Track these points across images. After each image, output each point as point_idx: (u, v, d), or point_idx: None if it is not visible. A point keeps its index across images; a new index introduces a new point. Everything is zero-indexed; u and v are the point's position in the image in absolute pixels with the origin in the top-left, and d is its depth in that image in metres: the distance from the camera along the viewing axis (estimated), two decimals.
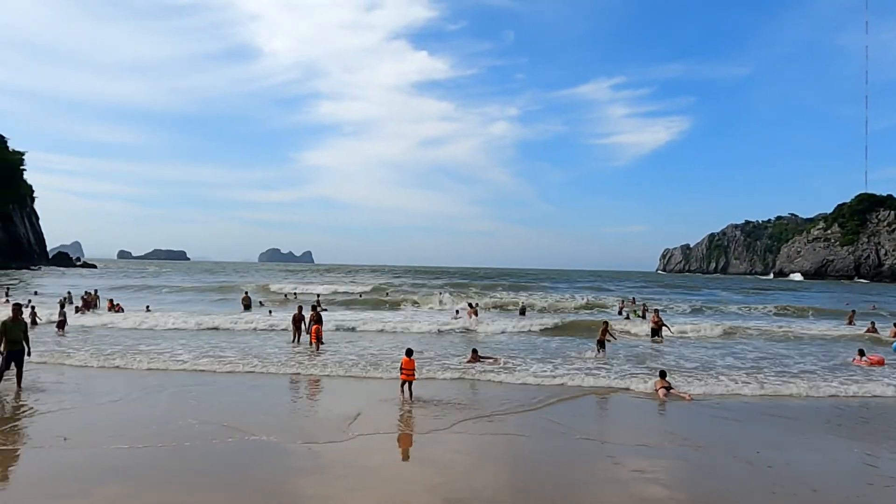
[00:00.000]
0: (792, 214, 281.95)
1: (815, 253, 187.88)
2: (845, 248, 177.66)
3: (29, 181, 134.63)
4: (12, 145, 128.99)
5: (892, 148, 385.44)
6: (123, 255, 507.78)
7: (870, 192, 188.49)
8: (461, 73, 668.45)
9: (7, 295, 38.36)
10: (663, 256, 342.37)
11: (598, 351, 20.40)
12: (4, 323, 13.42)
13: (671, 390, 14.31)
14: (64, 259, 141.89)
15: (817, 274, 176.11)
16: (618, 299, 46.32)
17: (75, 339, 22.47)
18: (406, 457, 9.53)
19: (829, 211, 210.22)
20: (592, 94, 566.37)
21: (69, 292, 37.86)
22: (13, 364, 13.28)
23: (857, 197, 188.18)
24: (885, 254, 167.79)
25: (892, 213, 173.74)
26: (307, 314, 23.60)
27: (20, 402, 12.15)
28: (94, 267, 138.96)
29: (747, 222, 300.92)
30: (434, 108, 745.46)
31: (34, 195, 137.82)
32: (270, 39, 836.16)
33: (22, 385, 13.25)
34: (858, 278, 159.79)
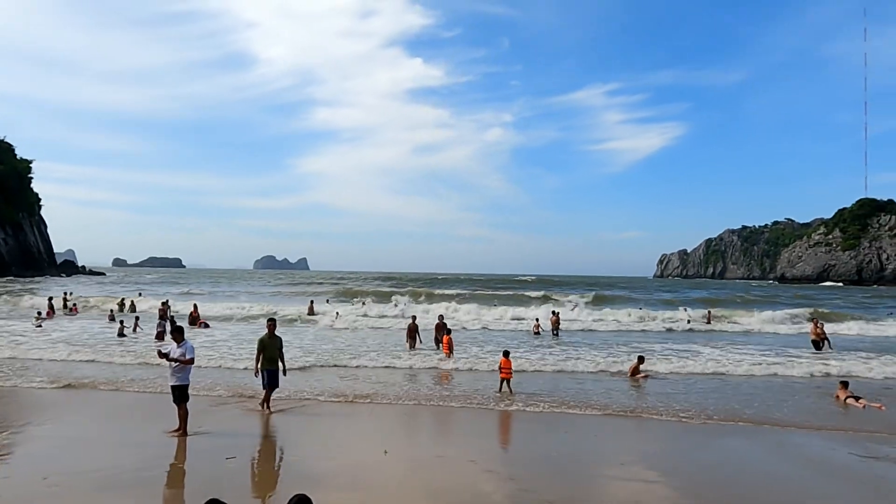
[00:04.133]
0: (788, 219, 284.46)
1: (816, 258, 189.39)
2: (847, 252, 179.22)
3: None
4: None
5: (890, 153, 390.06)
6: (118, 262, 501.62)
7: (870, 196, 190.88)
8: (456, 80, 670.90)
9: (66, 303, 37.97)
10: (661, 262, 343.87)
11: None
12: (262, 340, 12.76)
13: (860, 399, 14.52)
14: (70, 266, 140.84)
15: (819, 279, 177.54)
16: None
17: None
18: None
19: (826, 216, 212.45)
20: (587, 101, 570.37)
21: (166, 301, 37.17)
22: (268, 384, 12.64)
23: (857, 202, 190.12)
24: (888, 258, 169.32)
25: (894, 217, 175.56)
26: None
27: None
28: (103, 274, 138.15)
29: (744, 227, 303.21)
30: (429, 114, 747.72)
31: (41, 203, 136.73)
32: (267, 47, 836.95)
33: (271, 407, 12.64)
34: (860, 283, 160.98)
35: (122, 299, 42.50)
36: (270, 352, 12.64)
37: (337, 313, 36.88)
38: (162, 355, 10.84)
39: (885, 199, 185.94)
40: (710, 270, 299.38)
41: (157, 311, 32.88)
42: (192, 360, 11.01)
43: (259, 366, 12.64)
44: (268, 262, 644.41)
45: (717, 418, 12.61)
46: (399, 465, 9.26)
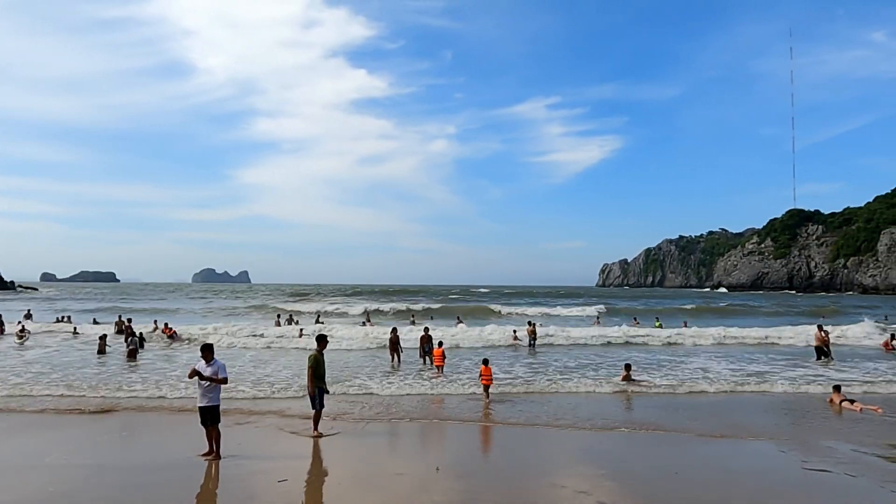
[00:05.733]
0: (722, 229, 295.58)
1: (750, 266, 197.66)
2: (778, 261, 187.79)
3: None
4: None
5: (815, 165, 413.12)
6: (47, 277, 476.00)
7: (798, 207, 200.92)
8: (400, 92, 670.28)
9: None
10: (603, 271, 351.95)
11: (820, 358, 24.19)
12: (316, 357, 12.04)
13: (855, 403, 15.21)
14: None
15: (753, 286, 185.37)
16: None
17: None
18: None
19: (757, 225, 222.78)
20: (529, 114, 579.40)
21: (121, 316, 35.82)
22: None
23: (787, 212, 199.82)
24: (815, 266, 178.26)
25: (821, 227, 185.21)
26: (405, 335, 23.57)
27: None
28: (35, 290, 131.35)
29: (681, 237, 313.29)
30: (373, 125, 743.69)
31: None
32: (205, 56, 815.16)
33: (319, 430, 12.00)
34: (791, 290, 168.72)
35: (60, 317, 41.30)
36: (322, 370, 12.14)
37: (301, 330, 36.16)
38: (194, 373, 10.39)
39: (813, 209, 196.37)
40: (650, 279, 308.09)
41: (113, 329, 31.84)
42: (225, 380, 10.62)
43: (309, 385, 12.07)
44: (207, 276, 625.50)
45: (724, 432, 12.91)
46: (458, 482, 9.15)
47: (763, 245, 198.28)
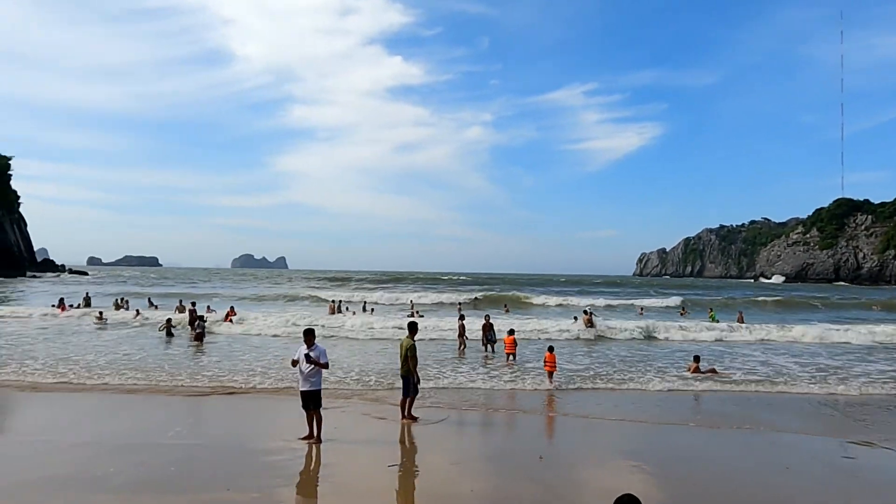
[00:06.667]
0: (765, 219, 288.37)
1: (795, 257, 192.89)
2: (825, 251, 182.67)
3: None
4: None
5: (864, 153, 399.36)
6: (93, 261, 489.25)
7: (846, 196, 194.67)
8: (436, 79, 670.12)
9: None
10: (640, 260, 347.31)
11: None
12: (414, 345, 12.27)
13: None
14: (51, 266, 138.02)
15: (798, 277, 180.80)
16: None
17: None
18: None
19: (801, 215, 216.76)
20: (565, 100, 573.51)
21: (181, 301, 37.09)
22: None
23: (835, 201, 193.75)
24: (864, 257, 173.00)
25: (870, 217, 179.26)
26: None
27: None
28: (85, 274, 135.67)
29: (722, 226, 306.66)
30: (409, 113, 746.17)
31: (20, 201, 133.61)
32: (244, 44, 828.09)
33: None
34: (837, 281, 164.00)
35: (121, 298, 42.70)
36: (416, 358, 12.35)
37: (353, 312, 36.68)
38: (296, 362, 10.62)
39: (862, 198, 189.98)
40: (689, 269, 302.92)
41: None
42: (326, 365, 10.80)
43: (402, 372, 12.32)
44: (246, 261, 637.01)
45: (815, 430, 12.69)
46: (565, 471, 9.18)
47: (808, 235, 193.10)
